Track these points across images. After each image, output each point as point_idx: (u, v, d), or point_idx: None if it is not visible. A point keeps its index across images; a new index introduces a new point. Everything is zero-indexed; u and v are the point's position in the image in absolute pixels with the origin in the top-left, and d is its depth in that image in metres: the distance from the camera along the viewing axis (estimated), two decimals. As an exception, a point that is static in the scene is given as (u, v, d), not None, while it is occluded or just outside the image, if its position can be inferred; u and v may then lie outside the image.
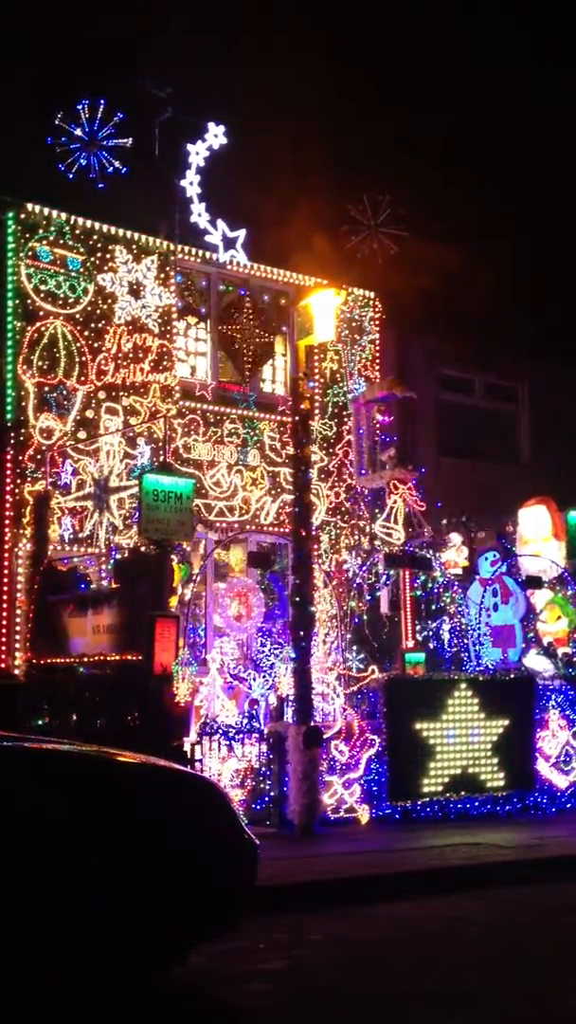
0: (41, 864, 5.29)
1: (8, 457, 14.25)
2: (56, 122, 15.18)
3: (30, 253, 14.87)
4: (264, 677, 12.89)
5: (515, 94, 25.84)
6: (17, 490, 14.31)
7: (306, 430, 12.05)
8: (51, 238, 15.08)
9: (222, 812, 5.99)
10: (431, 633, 15.20)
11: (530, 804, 12.74)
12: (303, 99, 18.89)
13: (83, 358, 15.22)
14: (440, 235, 18.96)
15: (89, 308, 15.34)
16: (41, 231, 15.01)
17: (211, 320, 16.92)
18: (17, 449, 14.37)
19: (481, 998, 6.19)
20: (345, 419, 17.61)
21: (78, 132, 15.18)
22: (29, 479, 14.55)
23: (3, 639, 13.87)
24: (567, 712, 13.38)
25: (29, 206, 14.91)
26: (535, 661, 14.99)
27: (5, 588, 14.06)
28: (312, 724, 11.25)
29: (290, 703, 11.70)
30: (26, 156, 15.27)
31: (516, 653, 15.01)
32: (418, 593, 15.21)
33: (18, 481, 14.39)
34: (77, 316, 15.22)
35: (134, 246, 15.84)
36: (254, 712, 12.40)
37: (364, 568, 15.41)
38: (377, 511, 16.73)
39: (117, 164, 15.22)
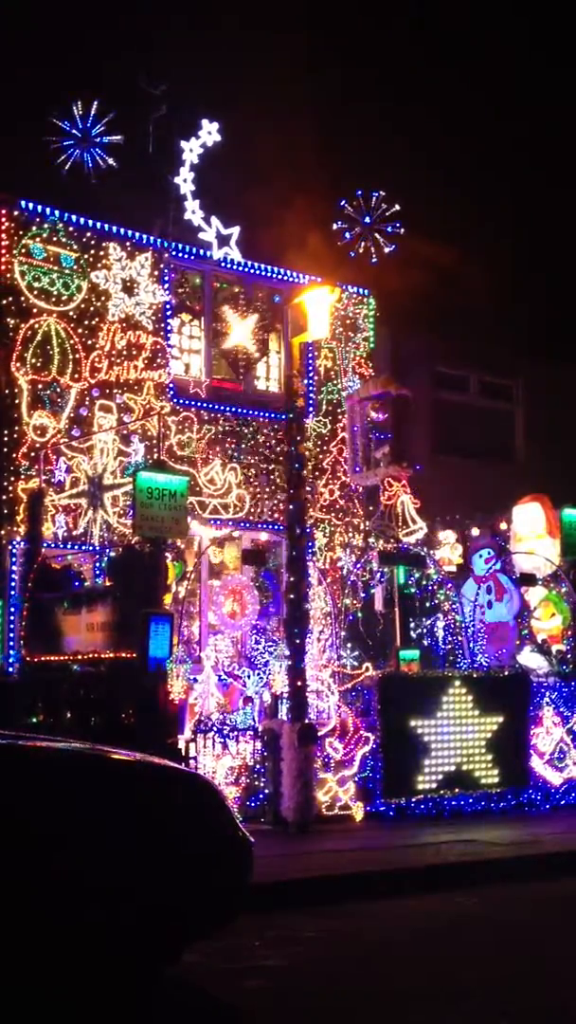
0: (36, 863, 5.28)
1: None
2: (50, 119, 15.14)
3: (23, 250, 14.85)
4: (259, 674, 12.89)
5: (514, 92, 25.83)
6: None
7: (300, 428, 12.05)
8: (44, 235, 15.05)
9: (217, 809, 5.98)
10: (425, 631, 15.20)
11: (524, 801, 12.75)
12: (297, 96, 18.88)
13: (77, 355, 15.20)
14: (435, 233, 18.96)
15: (83, 305, 15.31)
16: (34, 228, 14.98)
17: (205, 317, 16.89)
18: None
19: (478, 995, 6.18)
20: (339, 416, 17.59)
21: (72, 129, 15.14)
22: (23, 477, 14.53)
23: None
24: (561, 709, 13.39)
25: (22, 203, 14.88)
26: (529, 658, 15.00)
27: (-1, 586, 14.04)
28: (307, 721, 11.25)
29: (284, 700, 11.69)
30: (19, 153, 15.23)
31: (510, 650, 15.01)
32: (412, 590, 15.20)
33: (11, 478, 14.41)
34: (71, 313, 15.19)
35: (128, 243, 15.80)
36: (248, 709, 12.40)
37: (358, 565, 15.40)
38: (371, 508, 16.72)
39: (111, 161, 15.20)
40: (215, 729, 11.57)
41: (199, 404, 16.35)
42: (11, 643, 13.98)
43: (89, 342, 15.32)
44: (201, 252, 16.47)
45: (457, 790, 12.26)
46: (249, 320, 17.03)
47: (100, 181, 15.28)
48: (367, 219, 17.08)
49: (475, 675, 12.87)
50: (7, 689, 13.22)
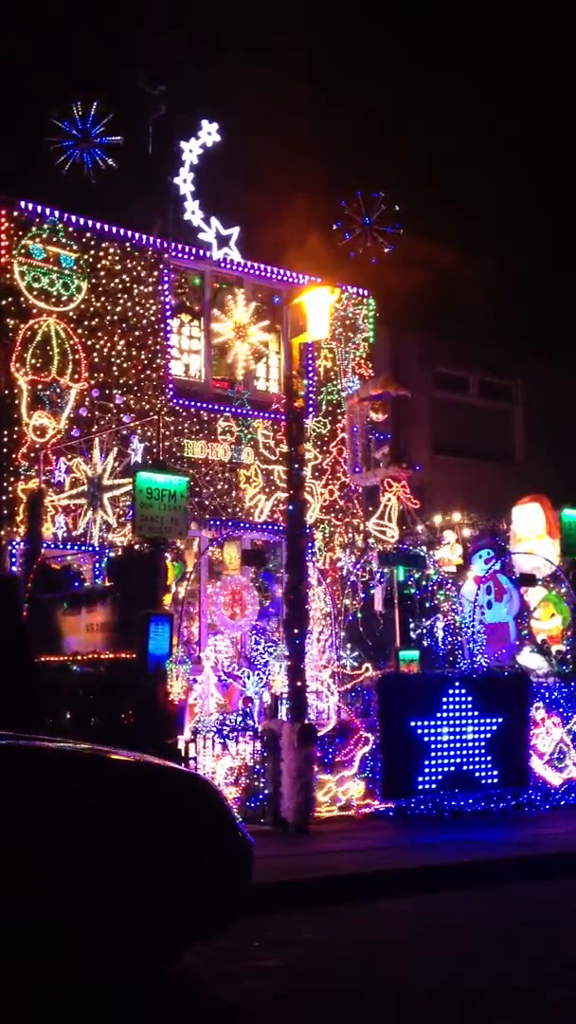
0: (36, 863, 5.28)
1: None
2: (50, 119, 15.14)
3: (23, 250, 14.85)
4: (258, 675, 12.90)
5: (514, 92, 25.85)
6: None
7: (300, 428, 12.05)
8: (44, 235, 15.05)
9: (217, 810, 5.98)
10: (425, 631, 15.20)
11: (524, 801, 12.75)
12: (297, 96, 18.87)
13: (76, 356, 15.20)
14: (435, 233, 18.95)
15: (82, 306, 15.31)
16: (34, 228, 14.98)
17: (204, 318, 16.89)
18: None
19: (478, 995, 6.18)
20: (339, 417, 17.59)
21: (72, 129, 15.13)
22: (23, 477, 14.53)
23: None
24: (561, 709, 13.39)
25: (22, 203, 14.88)
26: (529, 659, 14.99)
27: (-1, 586, 14.01)
28: (306, 722, 11.25)
29: (284, 701, 11.69)
30: (19, 153, 15.24)
31: (510, 651, 15.01)
32: (412, 591, 15.20)
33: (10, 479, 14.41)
34: (70, 314, 15.19)
35: (127, 244, 15.81)
36: (248, 710, 12.40)
37: (358, 566, 15.40)
38: (371, 509, 16.73)
39: (110, 161, 15.19)
40: (215, 729, 11.57)
41: (199, 404, 16.35)
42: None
43: (89, 343, 15.32)
44: (201, 252, 16.47)
45: (457, 790, 12.26)
46: (249, 321, 17.00)
47: (100, 181, 15.27)
48: (367, 219, 17.06)
49: (475, 676, 12.87)
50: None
